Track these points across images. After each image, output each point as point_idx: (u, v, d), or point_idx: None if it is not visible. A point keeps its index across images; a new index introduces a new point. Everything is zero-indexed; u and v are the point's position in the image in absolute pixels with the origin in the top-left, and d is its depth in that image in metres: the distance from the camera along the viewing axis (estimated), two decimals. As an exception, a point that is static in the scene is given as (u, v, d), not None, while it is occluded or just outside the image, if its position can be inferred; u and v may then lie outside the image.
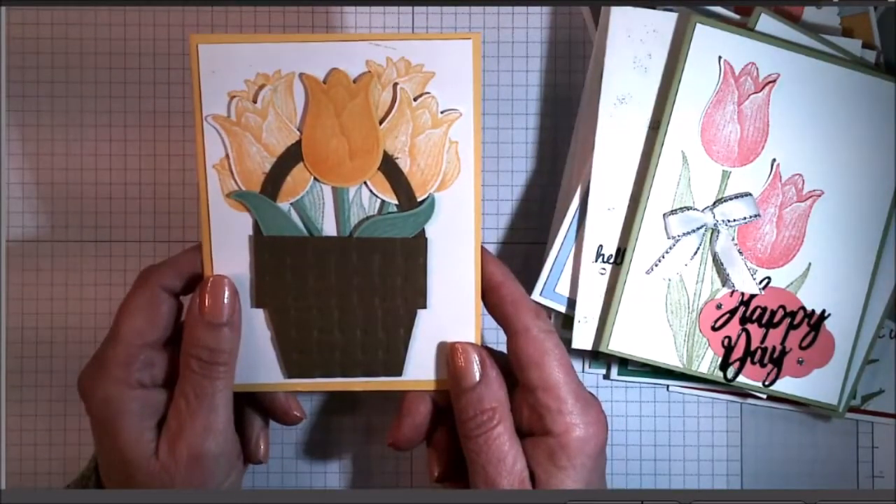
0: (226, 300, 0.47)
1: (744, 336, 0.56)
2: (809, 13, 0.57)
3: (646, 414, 0.59)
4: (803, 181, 0.56)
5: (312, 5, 0.58)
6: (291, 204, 0.47)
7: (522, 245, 0.59)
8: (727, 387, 0.57)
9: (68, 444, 0.58)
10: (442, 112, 0.47)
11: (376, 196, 0.47)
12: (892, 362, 0.59)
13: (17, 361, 0.58)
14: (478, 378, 0.47)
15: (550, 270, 0.56)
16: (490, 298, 0.48)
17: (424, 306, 0.48)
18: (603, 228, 0.55)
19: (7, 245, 0.58)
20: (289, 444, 0.58)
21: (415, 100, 0.46)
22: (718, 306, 0.56)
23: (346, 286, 0.48)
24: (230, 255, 0.48)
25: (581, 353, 0.58)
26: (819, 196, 0.56)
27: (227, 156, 0.47)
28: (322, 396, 0.59)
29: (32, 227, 0.58)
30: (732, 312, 0.56)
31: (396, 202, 0.47)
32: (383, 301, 0.48)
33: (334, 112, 0.46)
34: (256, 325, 0.48)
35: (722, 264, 0.55)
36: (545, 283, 0.56)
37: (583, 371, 0.59)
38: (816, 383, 0.57)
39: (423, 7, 0.58)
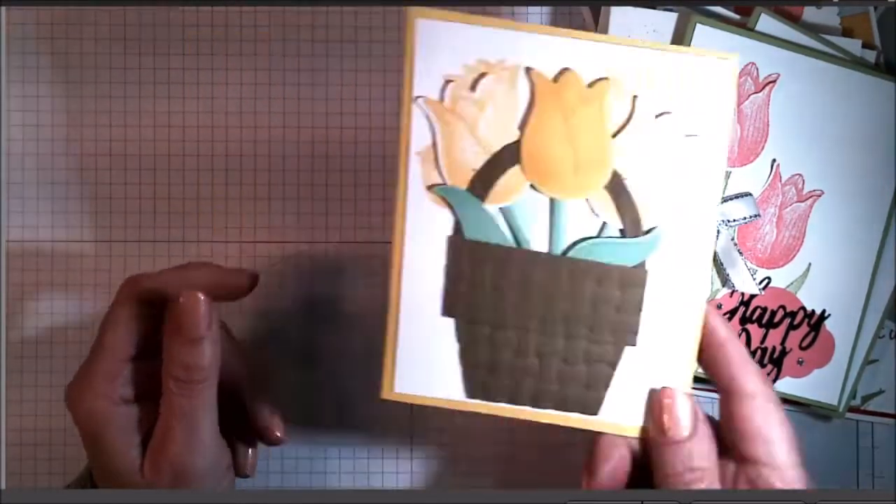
0: (202, 315, 0.44)
1: (744, 336, 0.56)
2: (809, 13, 0.57)
3: (646, 414, 0.59)
4: (803, 181, 0.56)
5: (315, 6, 0.58)
6: (500, 209, 0.43)
7: (522, 245, 0.59)
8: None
9: (68, 444, 0.58)
10: (685, 136, 0.42)
11: (598, 216, 0.43)
12: (892, 362, 0.59)
13: (18, 361, 0.58)
14: (690, 432, 0.43)
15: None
16: (710, 355, 0.44)
17: (634, 344, 0.44)
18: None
19: (7, 245, 0.58)
20: (289, 444, 0.58)
21: (655, 117, 0.42)
22: (718, 306, 0.56)
23: (552, 310, 0.43)
24: (423, 253, 0.43)
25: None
26: (819, 196, 0.56)
27: (435, 144, 0.42)
28: (324, 396, 0.59)
29: (32, 227, 0.58)
30: (732, 313, 0.56)
31: (621, 226, 0.43)
32: (590, 332, 0.43)
33: (562, 116, 0.42)
34: (442, 336, 0.44)
35: (722, 264, 0.55)
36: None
37: (583, 371, 0.59)
38: (816, 383, 0.57)
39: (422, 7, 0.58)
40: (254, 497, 0.51)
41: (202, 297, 0.45)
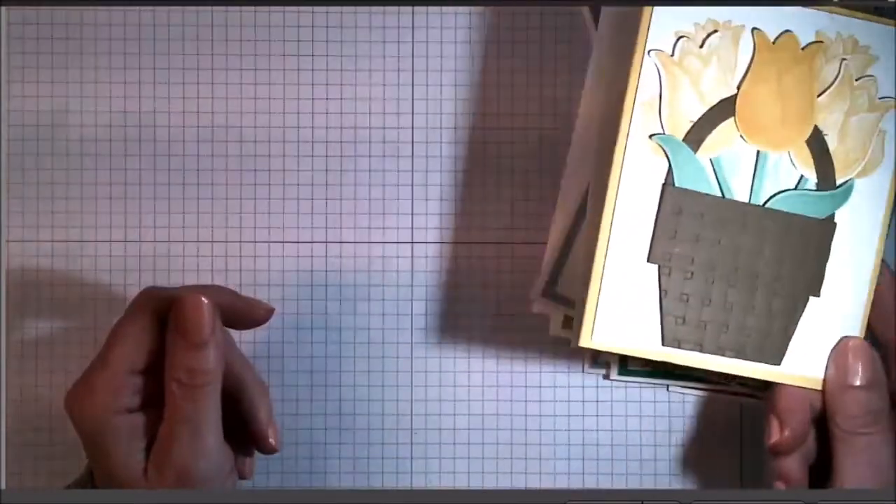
0: (205, 318, 0.45)
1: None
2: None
3: (646, 414, 0.59)
4: (804, 181, 0.56)
5: (314, 5, 0.58)
6: (710, 159, 0.46)
7: (522, 245, 0.59)
8: (727, 386, 0.57)
9: (68, 444, 0.58)
10: (880, 98, 0.47)
11: (796, 169, 0.47)
12: (893, 362, 0.59)
13: (18, 361, 0.58)
14: (869, 380, 0.47)
15: (550, 270, 0.56)
16: (879, 306, 0.48)
17: (818, 294, 0.47)
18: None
19: (7, 245, 0.58)
20: (289, 444, 0.58)
21: (856, 80, 0.47)
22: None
23: (749, 260, 0.47)
24: (634, 200, 0.46)
25: (581, 353, 0.58)
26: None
27: (660, 95, 0.46)
28: (324, 396, 0.59)
29: (33, 227, 0.58)
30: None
31: (816, 179, 0.47)
32: (777, 282, 0.47)
33: (777, 75, 0.46)
34: (646, 282, 0.46)
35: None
36: (544, 283, 0.56)
37: (583, 371, 0.59)
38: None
39: (423, 7, 0.58)
40: (254, 497, 0.51)
41: (206, 301, 0.45)
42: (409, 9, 0.58)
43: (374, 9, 0.58)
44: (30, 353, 0.58)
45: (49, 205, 0.58)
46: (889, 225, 0.47)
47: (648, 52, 0.46)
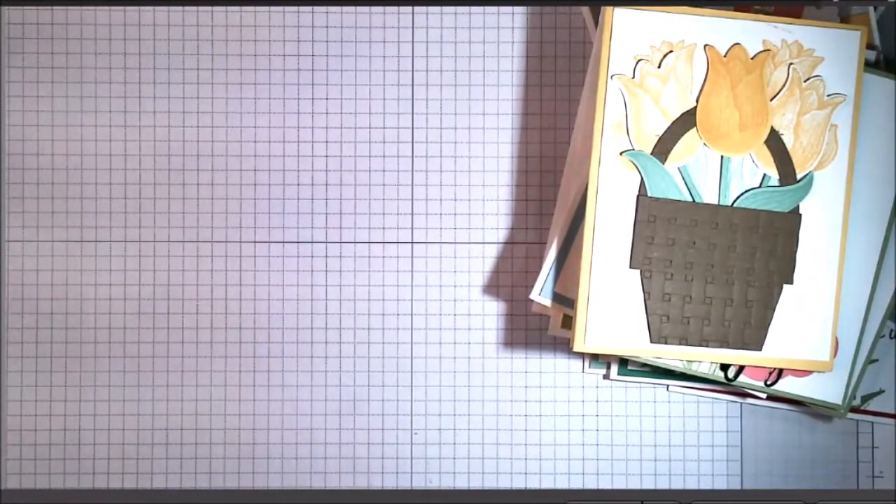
0: None
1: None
2: (809, 13, 0.56)
3: (646, 414, 0.59)
4: (804, 181, 0.56)
5: (314, 5, 0.58)
6: (678, 168, 0.50)
7: (522, 245, 0.59)
8: (727, 387, 0.57)
9: (68, 443, 0.58)
10: (828, 95, 0.50)
11: (759, 168, 0.50)
12: (893, 362, 0.59)
13: (18, 361, 0.58)
14: None
15: (550, 270, 0.56)
16: None
17: (791, 282, 0.51)
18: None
19: (7, 245, 0.58)
20: (289, 444, 0.59)
21: (805, 81, 0.50)
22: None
23: (723, 257, 0.50)
24: (613, 212, 0.50)
25: (581, 353, 0.58)
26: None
27: (626, 115, 0.50)
28: (322, 397, 0.59)
29: (33, 227, 0.58)
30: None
31: (778, 176, 0.51)
32: (750, 274, 0.50)
33: (730, 84, 0.50)
34: (630, 286, 0.51)
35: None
36: (544, 283, 0.56)
37: (583, 371, 0.59)
38: (819, 383, 0.57)
39: (423, 7, 0.58)
40: (254, 497, 0.51)
41: None
42: (409, 9, 0.58)
43: (374, 9, 0.58)
44: (30, 354, 0.58)
45: (49, 205, 0.58)
46: (849, 210, 0.51)
47: (611, 76, 0.50)
